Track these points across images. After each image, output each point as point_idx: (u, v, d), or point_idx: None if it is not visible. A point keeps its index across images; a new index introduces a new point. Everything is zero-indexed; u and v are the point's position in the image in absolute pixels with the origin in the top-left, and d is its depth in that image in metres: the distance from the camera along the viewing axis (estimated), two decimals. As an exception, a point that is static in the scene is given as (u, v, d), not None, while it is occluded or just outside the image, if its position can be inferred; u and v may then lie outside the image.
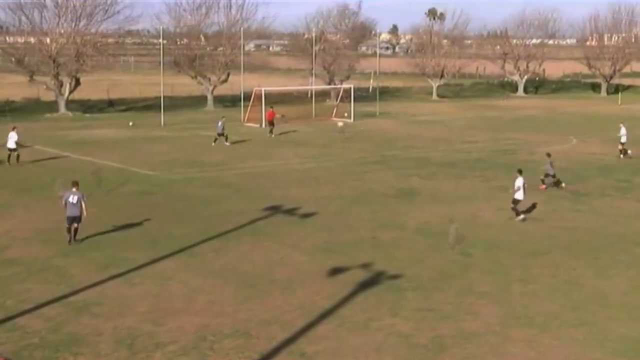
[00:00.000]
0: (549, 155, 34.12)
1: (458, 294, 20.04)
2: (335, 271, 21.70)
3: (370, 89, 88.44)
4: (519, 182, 28.09)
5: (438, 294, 20.03)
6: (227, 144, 46.94)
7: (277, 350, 16.40)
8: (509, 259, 23.27)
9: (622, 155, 43.79)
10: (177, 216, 28.44)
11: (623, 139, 44.04)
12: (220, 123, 47.41)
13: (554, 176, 33.99)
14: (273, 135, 52.19)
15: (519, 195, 28.14)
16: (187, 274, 21.49)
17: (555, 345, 16.85)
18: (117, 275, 21.20)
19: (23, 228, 26.27)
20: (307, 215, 28.56)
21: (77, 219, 24.12)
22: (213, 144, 46.90)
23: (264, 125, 56.78)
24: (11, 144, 39.20)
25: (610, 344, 16.93)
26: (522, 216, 28.22)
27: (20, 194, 32.03)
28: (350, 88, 67.28)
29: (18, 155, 39.16)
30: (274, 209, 29.40)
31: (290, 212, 29.02)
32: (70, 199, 24.05)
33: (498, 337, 17.20)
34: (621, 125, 44.61)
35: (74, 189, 24.27)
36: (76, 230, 24.23)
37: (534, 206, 30.02)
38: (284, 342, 16.79)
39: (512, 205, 28.34)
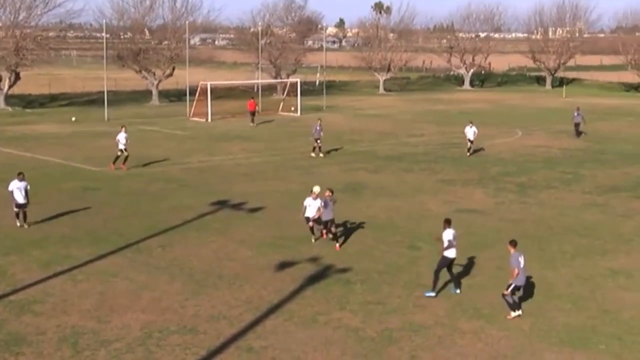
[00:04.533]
0: None
1: (406, 287, 20.08)
2: (283, 265, 21.60)
3: (317, 83, 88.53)
4: None
5: (386, 287, 20.04)
6: (321, 155, 41.30)
7: (224, 345, 16.25)
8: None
9: (468, 154, 42.02)
10: (122, 212, 28.01)
11: (470, 137, 42.13)
12: (318, 127, 41.53)
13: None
14: (255, 124, 55.29)
15: None
16: (132, 270, 21.17)
17: (502, 336, 16.98)
18: (61, 273, 20.80)
19: (-38, 226, 25.63)
20: (254, 210, 28.37)
21: (24, 205, 25.75)
22: (312, 154, 41.53)
23: (209, 120, 57.22)
24: None
25: (556, 333, 17.13)
26: None
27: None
28: (297, 82, 67.16)
29: None
30: (221, 204, 29.16)
31: (237, 207, 28.81)
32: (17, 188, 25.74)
33: (446, 329, 17.27)
34: (470, 124, 42.46)
35: (18, 178, 25.84)
36: (24, 214, 25.81)
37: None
38: (231, 337, 16.65)
39: None
